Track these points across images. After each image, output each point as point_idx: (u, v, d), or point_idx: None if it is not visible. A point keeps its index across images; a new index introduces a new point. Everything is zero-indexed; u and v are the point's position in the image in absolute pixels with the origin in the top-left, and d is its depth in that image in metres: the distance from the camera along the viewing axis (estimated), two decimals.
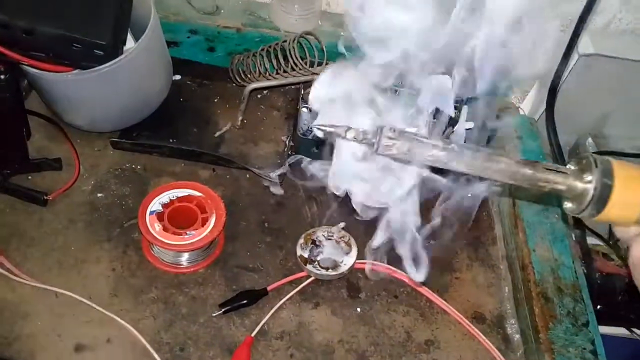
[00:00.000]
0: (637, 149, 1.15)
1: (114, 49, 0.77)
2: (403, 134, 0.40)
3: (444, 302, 0.80)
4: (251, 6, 0.98)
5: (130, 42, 0.85)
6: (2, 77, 0.76)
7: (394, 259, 0.81)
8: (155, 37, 0.83)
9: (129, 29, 0.83)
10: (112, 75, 0.78)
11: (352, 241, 0.82)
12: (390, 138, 0.40)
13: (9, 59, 0.74)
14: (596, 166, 0.39)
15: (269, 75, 0.92)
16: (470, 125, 0.93)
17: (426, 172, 0.54)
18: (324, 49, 0.90)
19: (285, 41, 0.89)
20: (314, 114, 0.92)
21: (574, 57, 0.91)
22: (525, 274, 0.79)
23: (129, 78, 0.81)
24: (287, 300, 0.77)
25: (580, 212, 0.39)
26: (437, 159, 0.39)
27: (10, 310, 0.72)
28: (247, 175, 0.90)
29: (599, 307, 0.90)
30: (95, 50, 0.75)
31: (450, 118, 0.90)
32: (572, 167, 0.41)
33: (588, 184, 0.39)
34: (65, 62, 0.77)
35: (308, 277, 0.80)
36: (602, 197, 0.38)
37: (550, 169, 0.40)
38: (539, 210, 0.85)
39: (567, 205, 0.41)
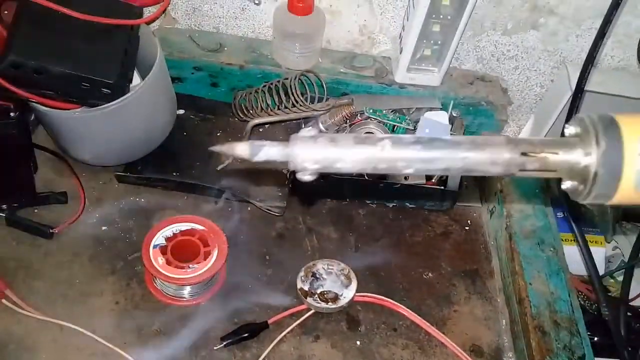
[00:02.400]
0: None
1: (121, 87, 0.79)
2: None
3: (442, 335, 0.81)
4: (253, 44, 1.01)
5: (136, 79, 0.88)
6: (12, 114, 0.79)
7: (391, 292, 0.83)
8: (161, 75, 0.86)
9: (135, 67, 0.85)
10: (119, 112, 0.80)
11: (352, 274, 0.83)
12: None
13: (19, 97, 0.77)
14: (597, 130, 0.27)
15: (271, 110, 0.94)
16: None
17: None
18: (324, 86, 0.92)
19: (286, 78, 0.92)
20: None
21: (567, 94, 0.93)
22: (522, 307, 0.80)
23: (134, 115, 0.84)
24: (288, 333, 0.79)
25: (599, 198, 0.28)
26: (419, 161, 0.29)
27: (16, 343, 0.73)
28: (249, 208, 0.92)
29: (596, 339, 0.91)
30: (103, 89, 0.78)
31: None
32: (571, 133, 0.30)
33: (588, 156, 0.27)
34: (73, 100, 0.80)
35: (308, 310, 0.81)
36: (612, 165, 0.26)
37: (541, 142, 0.28)
38: (535, 244, 0.87)
39: (567, 185, 0.29)
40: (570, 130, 0.29)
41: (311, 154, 0.30)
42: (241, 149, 0.30)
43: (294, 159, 0.30)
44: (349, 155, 0.29)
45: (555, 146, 0.27)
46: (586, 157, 0.26)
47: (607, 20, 0.77)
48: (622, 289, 0.90)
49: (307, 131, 0.30)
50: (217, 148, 0.31)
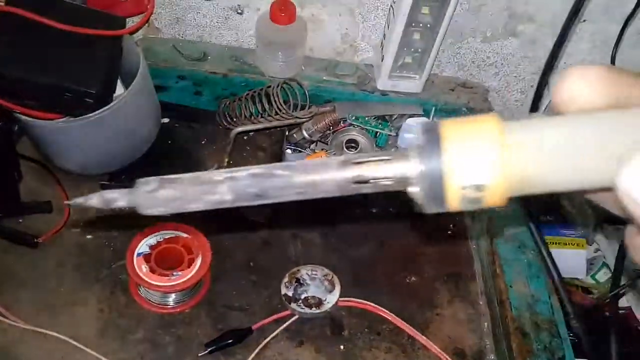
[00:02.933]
0: None
1: (104, 97, 0.80)
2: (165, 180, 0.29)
3: (425, 338, 0.82)
4: (237, 52, 1.02)
5: (119, 89, 0.88)
6: None
7: (374, 297, 0.84)
8: (144, 84, 0.86)
9: (118, 77, 0.86)
10: (102, 121, 0.81)
11: (336, 280, 0.84)
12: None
13: (2, 108, 0.77)
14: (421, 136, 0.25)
15: (254, 118, 0.95)
16: None
17: None
18: (307, 93, 0.93)
19: (269, 86, 0.93)
20: (297, 155, 0.96)
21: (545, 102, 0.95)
22: (503, 309, 0.82)
23: (118, 124, 0.84)
24: (272, 338, 0.79)
25: (429, 206, 0.25)
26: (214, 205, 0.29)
27: (1, 353, 0.73)
28: (233, 216, 0.93)
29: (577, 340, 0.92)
30: (86, 99, 0.78)
31: None
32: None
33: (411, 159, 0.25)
34: (57, 109, 0.80)
35: (292, 315, 0.82)
36: (434, 171, 0.24)
37: (364, 161, 0.26)
38: (516, 247, 0.88)
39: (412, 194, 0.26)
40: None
41: (155, 204, 0.29)
42: (94, 202, 0.29)
43: (140, 210, 0.29)
44: (193, 201, 0.29)
45: (386, 160, 0.25)
46: (412, 168, 0.25)
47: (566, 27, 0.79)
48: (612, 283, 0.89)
49: (145, 183, 0.29)
50: (70, 202, 0.30)
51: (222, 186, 0.27)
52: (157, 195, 0.29)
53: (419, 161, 0.24)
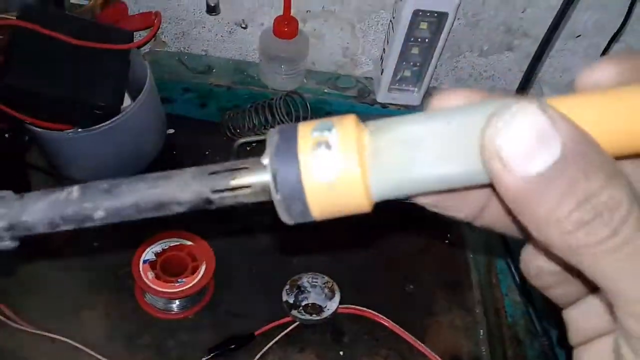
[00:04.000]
0: None
1: (112, 109, 0.83)
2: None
3: (423, 345, 0.84)
4: (241, 66, 1.05)
5: (127, 101, 0.91)
6: (7, 135, 0.82)
7: (374, 304, 0.86)
8: (151, 96, 0.89)
9: (126, 89, 0.89)
10: (110, 132, 0.83)
11: (336, 287, 0.86)
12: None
13: (13, 118, 0.80)
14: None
15: (257, 130, 0.97)
16: None
17: None
18: (308, 106, 0.96)
19: (272, 99, 0.96)
20: None
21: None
22: (499, 318, 0.84)
23: (125, 135, 0.87)
24: (274, 344, 0.81)
25: (288, 216, 0.24)
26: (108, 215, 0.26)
27: (9, 357, 0.76)
28: (236, 224, 0.95)
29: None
30: (95, 111, 0.81)
31: None
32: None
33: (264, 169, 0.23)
34: (66, 121, 0.83)
35: (294, 321, 0.84)
36: (289, 178, 0.22)
37: (219, 171, 0.24)
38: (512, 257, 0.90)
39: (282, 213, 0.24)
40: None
41: None
42: None
43: None
44: (35, 208, 0.24)
45: (245, 168, 0.24)
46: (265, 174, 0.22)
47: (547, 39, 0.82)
48: None
49: None
50: None
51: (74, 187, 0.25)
52: None
53: (275, 167, 0.22)
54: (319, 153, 0.22)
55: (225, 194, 0.24)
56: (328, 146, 0.22)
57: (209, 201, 0.24)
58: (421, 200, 0.25)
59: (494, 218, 0.25)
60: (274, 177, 0.22)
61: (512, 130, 0.19)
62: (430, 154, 0.21)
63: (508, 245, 0.87)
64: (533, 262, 0.24)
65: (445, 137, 0.21)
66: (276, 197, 0.23)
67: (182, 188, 0.24)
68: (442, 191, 0.23)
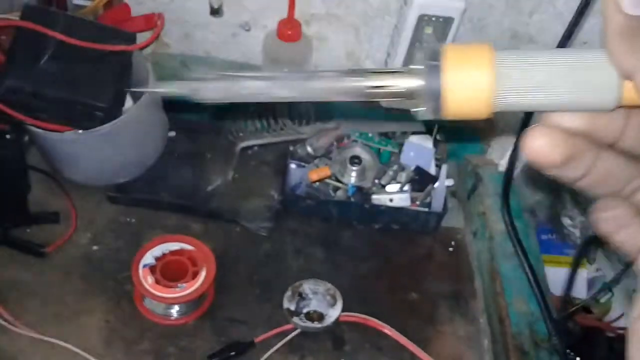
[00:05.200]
0: None
1: (114, 111, 0.82)
2: (222, 75, 0.34)
3: (426, 354, 0.82)
4: (244, 68, 1.04)
5: (128, 102, 0.90)
6: (8, 136, 0.81)
7: (376, 312, 0.85)
8: (152, 98, 0.88)
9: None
10: (111, 134, 0.82)
11: (338, 294, 0.85)
12: (201, 79, 0.34)
13: (14, 120, 0.79)
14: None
15: (259, 133, 0.97)
16: (451, 182, 0.98)
17: None
18: (311, 109, 0.95)
19: (275, 102, 0.95)
20: (301, 170, 0.97)
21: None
22: (503, 327, 0.82)
23: (126, 137, 0.86)
24: (274, 352, 0.80)
25: (424, 114, 0.30)
26: (256, 91, 0.33)
27: None
28: (238, 229, 0.94)
29: (577, 359, 0.93)
30: (96, 112, 0.80)
31: (431, 176, 0.96)
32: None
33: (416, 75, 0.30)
34: (67, 122, 0.82)
35: (294, 329, 0.82)
36: (433, 85, 0.29)
37: (380, 72, 0.31)
38: (516, 265, 0.89)
39: (418, 109, 0.31)
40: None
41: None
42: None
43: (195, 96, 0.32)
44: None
45: (395, 72, 0.31)
46: (417, 82, 0.29)
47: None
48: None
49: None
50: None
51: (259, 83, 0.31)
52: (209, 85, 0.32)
53: (423, 76, 0.29)
54: (458, 67, 0.28)
55: (378, 91, 0.30)
56: (464, 62, 0.28)
57: (365, 93, 0.30)
58: (545, 152, 0.28)
59: (592, 180, 0.28)
60: (423, 82, 0.29)
61: None
62: (548, 72, 0.27)
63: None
64: (609, 210, 0.28)
65: (563, 59, 0.27)
66: (421, 98, 0.29)
67: (341, 89, 0.31)
68: (554, 110, 0.28)
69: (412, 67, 0.30)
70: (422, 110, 0.30)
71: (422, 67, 0.29)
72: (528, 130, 0.28)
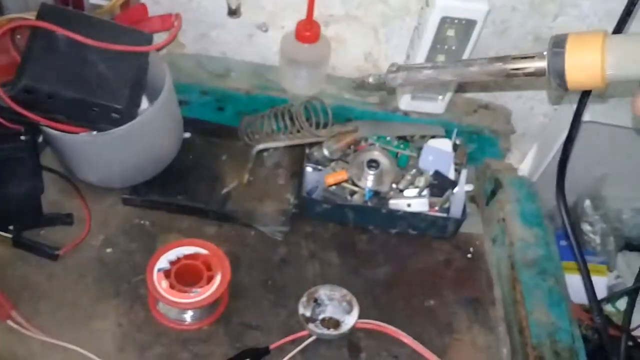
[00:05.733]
0: (635, 209, 1.17)
1: (130, 112, 0.81)
2: (401, 67, 0.51)
3: None
4: (260, 69, 1.02)
5: (144, 103, 0.89)
6: (23, 137, 0.80)
7: (393, 320, 0.83)
8: (169, 99, 0.87)
9: (144, 92, 0.87)
10: (127, 136, 0.81)
11: (354, 301, 0.83)
12: (392, 72, 0.51)
13: (29, 120, 0.78)
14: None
15: (276, 136, 0.95)
16: (470, 187, 0.96)
17: None
18: (329, 112, 0.94)
19: (292, 105, 0.93)
20: (317, 173, 0.96)
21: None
22: (523, 337, 0.81)
23: (142, 138, 0.85)
24: (289, 359, 0.79)
25: (553, 87, 0.45)
26: (429, 77, 0.49)
27: None
28: (253, 233, 0.93)
29: None
30: (112, 114, 0.79)
31: (451, 181, 0.94)
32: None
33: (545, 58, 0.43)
34: (83, 124, 0.81)
35: (310, 336, 0.81)
36: (558, 66, 0.41)
37: (518, 57, 0.44)
38: (537, 273, 0.87)
39: (552, 85, 0.44)
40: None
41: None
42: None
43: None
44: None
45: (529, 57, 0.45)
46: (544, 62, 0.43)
47: None
48: (624, 316, 0.90)
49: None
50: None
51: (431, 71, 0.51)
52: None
53: (550, 60, 0.42)
54: (577, 52, 0.40)
55: (517, 71, 0.45)
56: (580, 47, 0.40)
57: (501, 73, 0.47)
58: None
59: None
60: (549, 64, 0.42)
61: None
62: None
63: None
64: None
65: None
66: (549, 75, 0.42)
67: (491, 71, 0.48)
68: None
69: (543, 52, 0.42)
70: (553, 85, 0.42)
71: (549, 52, 0.41)
72: (636, 91, 0.40)
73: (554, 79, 0.42)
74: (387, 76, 0.52)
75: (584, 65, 0.40)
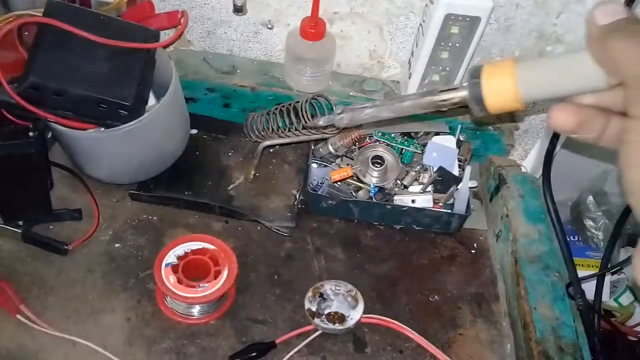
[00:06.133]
0: None
1: (137, 109, 0.82)
2: (345, 109, 0.56)
3: (448, 358, 0.82)
4: (265, 67, 1.03)
5: (151, 100, 0.90)
6: (31, 134, 0.81)
7: (397, 314, 0.84)
8: (176, 96, 0.88)
9: (151, 88, 0.88)
10: (134, 132, 0.82)
11: (359, 296, 0.84)
12: (339, 114, 0.56)
13: (37, 117, 0.79)
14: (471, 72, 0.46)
15: (282, 132, 0.96)
16: (474, 184, 0.96)
17: None
18: (334, 109, 0.94)
19: (297, 101, 0.94)
20: (323, 169, 0.96)
21: None
22: (527, 332, 0.81)
23: (149, 135, 0.86)
24: (295, 353, 0.80)
25: (477, 113, 0.45)
26: (370, 115, 0.53)
27: (30, 358, 0.75)
28: (259, 228, 0.93)
29: None
30: (120, 110, 0.80)
31: (455, 177, 0.94)
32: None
33: (466, 89, 0.46)
34: (91, 120, 0.82)
35: (316, 330, 0.82)
36: (476, 93, 0.43)
37: (444, 90, 0.48)
38: (540, 268, 0.87)
39: (475, 111, 0.46)
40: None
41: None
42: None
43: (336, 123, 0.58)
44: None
45: (453, 89, 0.47)
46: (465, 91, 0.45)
47: None
48: (595, 297, 0.90)
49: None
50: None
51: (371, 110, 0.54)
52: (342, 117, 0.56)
53: (469, 89, 0.44)
54: (492, 79, 0.43)
55: (440, 102, 0.47)
56: (497, 74, 0.43)
57: (431, 106, 0.49)
58: (562, 122, 0.41)
59: (608, 139, 0.40)
60: (469, 93, 0.44)
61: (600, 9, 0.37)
62: (556, 69, 0.41)
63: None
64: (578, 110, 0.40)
65: (564, 60, 0.40)
66: (471, 103, 0.44)
67: (422, 104, 0.50)
68: (567, 95, 0.41)
69: (464, 84, 0.45)
70: (475, 111, 0.45)
71: (468, 83, 0.44)
72: (551, 107, 0.40)
73: (476, 106, 0.44)
74: (335, 118, 0.57)
75: (498, 90, 0.43)
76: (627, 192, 0.34)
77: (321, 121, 0.64)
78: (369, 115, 0.54)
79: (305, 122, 0.92)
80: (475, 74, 0.44)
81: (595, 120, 0.40)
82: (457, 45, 0.91)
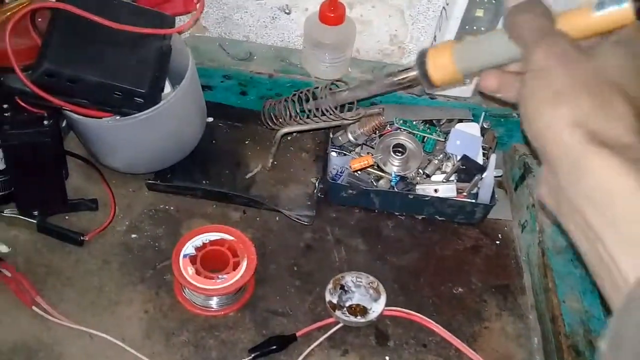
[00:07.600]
0: None
1: (153, 97, 0.80)
2: (329, 93, 0.69)
3: (473, 352, 0.79)
4: (283, 53, 1.01)
5: (167, 88, 0.88)
6: (46, 122, 0.79)
7: (420, 307, 0.81)
8: (192, 84, 0.85)
9: (167, 76, 0.85)
10: (150, 121, 0.80)
11: (381, 288, 0.82)
12: (322, 98, 0.65)
13: (52, 105, 0.77)
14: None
15: (300, 119, 0.93)
16: (499, 172, 0.93)
17: None
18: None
19: (316, 87, 0.91)
20: (342, 158, 0.94)
21: None
22: (556, 325, 0.79)
23: (165, 123, 0.84)
24: (316, 346, 0.78)
25: (426, 89, 0.55)
26: (347, 96, 0.65)
27: (45, 351, 0.74)
28: (277, 218, 0.91)
29: None
30: (136, 98, 0.78)
31: (479, 165, 0.91)
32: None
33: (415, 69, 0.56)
34: (106, 108, 0.80)
35: (337, 323, 0.80)
36: (423, 70, 0.53)
37: (401, 70, 0.61)
38: (569, 260, 0.85)
39: (424, 86, 0.56)
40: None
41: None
42: None
43: None
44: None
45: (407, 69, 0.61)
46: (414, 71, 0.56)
47: None
48: None
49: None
50: None
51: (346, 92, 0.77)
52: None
53: (418, 68, 0.55)
54: (434, 58, 0.53)
55: (398, 81, 0.63)
56: (438, 53, 0.53)
57: (393, 85, 0.65)
58: (488, 84, 0.51)
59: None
60: (419, 71, 0.54)
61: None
62: (482, 46, 0.51)
63: None
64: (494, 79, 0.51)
65: (488, 38, 0.50)
66: (421, 79, 0.54)
67: (386, 84, 0.67)
68: (493, 66, 0.51)
69: (413, 64, 0.56)
70: (425, 85, 0.55)
71: (417, 63, 0.55)
72: (482, 74, 0.51)
73: (424, 82, 0.54)
74: (319, 101, 0.68)
75: (440, 66, 0.52)
76: (522, 119, 0.43)
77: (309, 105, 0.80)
78: (346, 97, 0.72)
79: (325, 109, 0.90)
80: (422, 56, 0.54)
81: (514, 83, 0.48)
82: (483, 29, 0.87)
